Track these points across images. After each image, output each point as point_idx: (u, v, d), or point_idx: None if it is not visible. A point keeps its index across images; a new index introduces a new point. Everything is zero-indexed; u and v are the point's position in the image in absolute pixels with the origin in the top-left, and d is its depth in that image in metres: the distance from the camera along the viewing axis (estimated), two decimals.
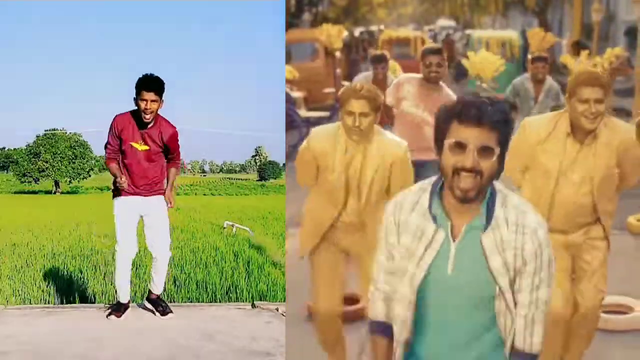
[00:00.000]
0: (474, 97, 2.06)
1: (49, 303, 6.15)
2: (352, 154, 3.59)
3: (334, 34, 14.20)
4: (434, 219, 2.07)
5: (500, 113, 1.98)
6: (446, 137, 2.01)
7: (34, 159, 47.74)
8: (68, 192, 46.27)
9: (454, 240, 2.06)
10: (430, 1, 32.28)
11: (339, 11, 27.13)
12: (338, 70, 14.45)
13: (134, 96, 4.47)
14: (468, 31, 24.56)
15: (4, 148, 67.10)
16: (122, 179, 4.56)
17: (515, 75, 8.19)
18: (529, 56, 7.89)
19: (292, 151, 6.57)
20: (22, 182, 48.39)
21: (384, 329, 2.25)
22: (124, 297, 4.82)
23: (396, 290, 2.16)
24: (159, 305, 4.85)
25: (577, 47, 7.61)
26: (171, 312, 4.83)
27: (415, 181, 2.33)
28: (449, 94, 5.19)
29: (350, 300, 4.50)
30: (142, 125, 4.55)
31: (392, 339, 2.22)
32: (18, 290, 6.66)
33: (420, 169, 3.57)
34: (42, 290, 6.63)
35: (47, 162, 46.91)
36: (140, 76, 4.46)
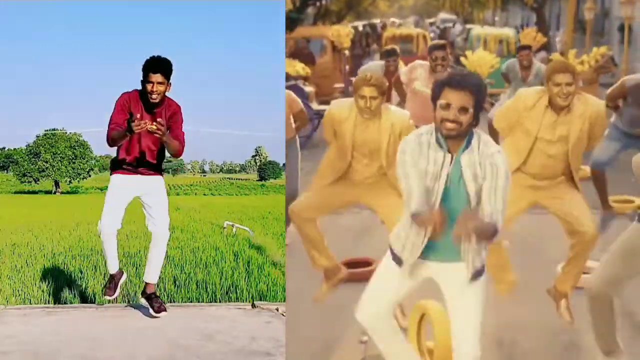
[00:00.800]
0: (460, 71, 3.21)
1: (49, 303, 6.15)
2: (361, 128, 4.51)
3: (343, 34, 15.03)
4: (441, 147, 3.04)
5: (476, 83, 2.95)
6: (439, 98, 2.97)
7: (34, 159, 47.72)
8: (68, 192, 46.24)
9: (451, 162, 3.04)
10: (433, 4, 32.60)
11: (341, 5, 27.10)
12: (347, 67, 15.32)
13: (141, 79, 4.43)
14: (468, 26, 25.17)
15: (4, 148, 66.93)
16: (138, 121, 4.22)
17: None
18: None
19: (304, 141, 7.15)
20: (22, 182, 48.36)
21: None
22: (111, 268, 4.86)
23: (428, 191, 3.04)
24: (155, 302, 4.80)
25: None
26: (165, 310, 4.79)
27: None
28: None
29: (365, 263, 5.24)
30: (149, 107, 4.51)
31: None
32: (18, 290, 6.66)
33: None
34: (42, 290, 6.62)
35: (47, 162, 46.88)
36: (148, 58, 4.42)
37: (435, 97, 3.01)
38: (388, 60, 7.94)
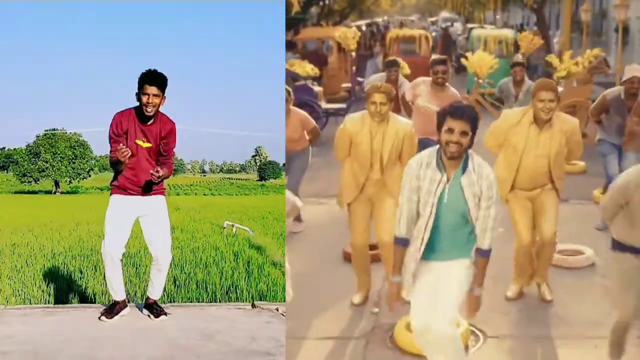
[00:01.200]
0: (459, 103, 3.71)
1: (49, 303, 6.14)
2: (374, 133, 5.04)
3: (349, 37, 15.56)
4: (439, 169, 3.61)
5: (472, 114, 3.58)
6: (443, 125, 3.57)
7: (34, 159, 47.77)
8: (68, 192, 46.29)
9: (448, 182, 3.63)
10: (435, 2, 32.79)
11: (344, 4, 27.23)
12: (354, 68, 15.88)
13: (137, 91, 4.45)
14: (469, 25, 25.61)
15: (4, 148, 67.05)
16: (122, 147, 4.36)
17: (510, 70, 9.46)
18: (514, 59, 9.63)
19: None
20: (22, 182, 48.42)
21: (403, 242, 3.79)
22: (116, 295, 4.78)
23: (418, 215, 3.72)
24: (154, 310, 4.80)
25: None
26: (164, 314, 4.76)
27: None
28: (453, 91, 6.79)
29: (372, 247, 5.55)
30: (143, 121, 4.52)
31: (406, 247, 3.79)
32: (18, 290, 6.66)
33: (431, 143, 4.62)
34: (42, 290, 6.62)
35: (47, 162, 46.91)
36: (144, 71, 4.46)
37: (440, 124, 3.60)
38: (390, 70, 8.38)
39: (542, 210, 5.09)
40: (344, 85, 15.11)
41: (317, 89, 12.90)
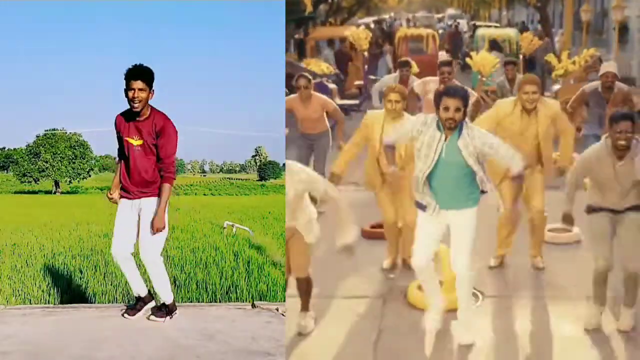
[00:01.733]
0: (451, 84, 5.01)
1: (49, 303, 6.14)
2: (387, 130, 5.64)
3: (362, 37, 16.44)
4: (439, 129, 4.35)
5: (463, 92, 4.33)
6: (440, 104, 4.30)
7: (34, 159, 47.77)
8: (68, 192, 46.29)
9: (445, 140, 4.35)
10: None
11: (352, 1, 27.50)
12: (366, 67, 16.59)
13: (124, 88, 4.45)
14: (474, 23, 26.31)
15: (4, 148, 67.08)
16: (112, 193, 4.67)
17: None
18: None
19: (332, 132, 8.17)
20: (22, 182, 48.43)
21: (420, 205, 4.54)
22: (137, 291, 4.81)
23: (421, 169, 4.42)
24: (159, 310, 4.80)
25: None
26: (162, 317, 4.72)
27: None
28: None
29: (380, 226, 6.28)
30: (134, 117, 4.51)
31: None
32: (18, 290, 6.66)
33: None
34: (42, 290, 6.62)
35: (47, 162, 46.92)
36: (129, 67, 4.46)
37: (437, 103, 4.34)
38: (402, 70, 9.08)
39: (531, 187, 5.78)
40: (357, 82, 15.79)
41: (332, 86, 13.49)
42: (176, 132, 4.60)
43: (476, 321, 4.71)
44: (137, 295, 4.84)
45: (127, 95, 4.44)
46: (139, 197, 4.62)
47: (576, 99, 7.56)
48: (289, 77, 14.59)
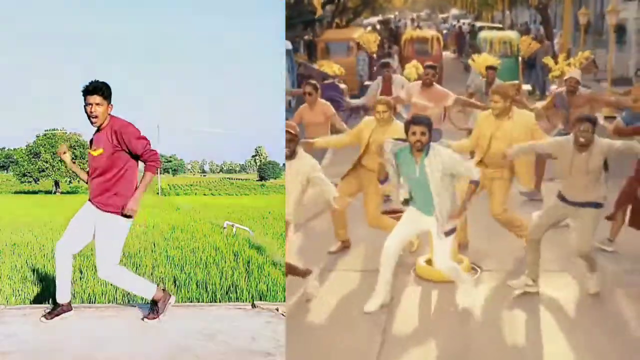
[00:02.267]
0: (416, 115, 5.48)
1: (49, 303, 6.14)
2: (375, 135, 6.41)
3: (371, 40, 17.45)
4: (412, 155, 5.19)
5: (427, 120, 5.18)
6: (409, 130, 5.14)
7: (34, 159, 47.73)
8: (68, 192, 46.26)
9: (417, 164, 5.18)
10: None
11: (358, 1, 27.80)
12: (374, 68, 17.12)
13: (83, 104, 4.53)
14: (478, 24, 27.08)
15: (4, 148, 67.11)
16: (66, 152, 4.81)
17: (514, 68, 12.01)
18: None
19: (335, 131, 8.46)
20: (22, 182, 48.38)
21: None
22: (60, 297, 4.71)
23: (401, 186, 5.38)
24: (150, 311, 4.77)
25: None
26: (155, 317, 4.68)
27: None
28: (439, 89, 8.28)
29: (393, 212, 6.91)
30: (96, 130, 4.61)
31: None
32: (18, 290, 6.66)
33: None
34: (42, 290, 6.63)
35: (47, 162, 46.87)
36: (86, 84, 4.53)
37: (407, 130, 5.18)
38: (384, 71, 10.12)
39: (497, 185, 6.44)
40: (367, 83, 16.36)
41: (343, 86, 14.13)
42: (134, 126, 4.55)
43: (474, 290, 5.63)
44: (60, 301, 4.72)
45: (85, 111, 4.54)
46: (97, 209, 4.58)
47: (546, 104, 8.31)
48: (301, 77, 15.05)
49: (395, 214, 6.52)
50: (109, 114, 4.58)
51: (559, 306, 5.54)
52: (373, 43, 17.55)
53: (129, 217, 4.56)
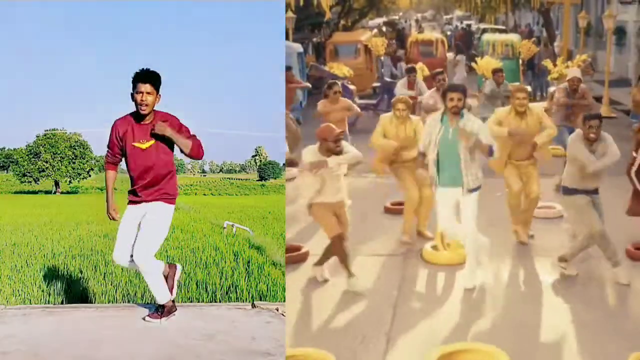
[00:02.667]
0: (453, 84, 7.18)
1: (49, 303, 6.15)
2: (396, 129, 7.13)
3: (379, 44, 18.14)
4: (442, 122, 5.92)
5: (462, 87, 5.99)
6: (446, 97, 5.85)
7: (34, 159, 47.74)
8: (68, 192, 46.27)
9: (451, 126, 5.84)
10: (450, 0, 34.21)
11: (363, 3, 28.26)
12: (382, 70, 18.04)
13: (131, 91, 4.44)
14: (482, 26, 28.03)
15: (4, 148, 67.08)
16: (112, 212, 4.64)
17: (515, 70, 13.35)
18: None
19: (349, 128, 8.89)
20: (22, 182, 48.40)
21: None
22: (160, 299, 4.73)
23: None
24: (155, 311, 4.79)
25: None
26: (157, 318, 4.70)
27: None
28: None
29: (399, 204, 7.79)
30: (138, 122, 4.50)
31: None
32: (18, 290, 6.66)
33: None
34: (42, 290, 6.63)
35: (47, 162, 46.88)
36: (137, 70, 4.45)
37: (444, 97, 5.91)
38: (409, 76, 11.53)
39: (528, 174, 7.05)
40: (375, 84, 17.21)
41: (352, 87, 14.62)
42: (177, 118, 4.59)
43: (477, 272, 6.01)
44: (160, 302, 4.77)
45: (133, 99, 4.44)
46: (146, 201, 4.60)
47: (550, 101, 9.26)
48: (312, 78, 15.55)
49: (401, 205, 7.49)
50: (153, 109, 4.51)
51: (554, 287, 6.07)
52: (381, 47, 18.18)
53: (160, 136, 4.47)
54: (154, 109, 4.52)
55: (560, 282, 6.03)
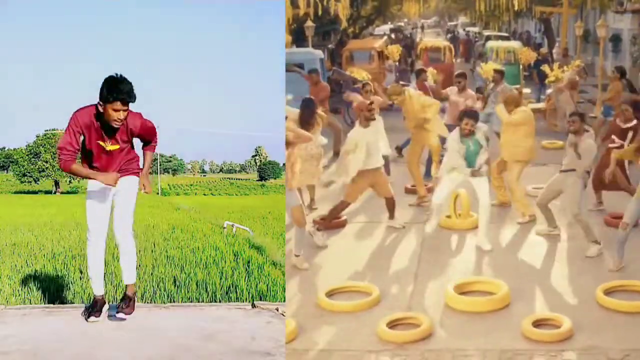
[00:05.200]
0: (469, 109, 7.67)
1: (49, 303, 6.15)
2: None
3: (395, 52, 19.51)
4: (466, 140, 7.14)
5: (476, 114, 7.23)
6: (463, 121, 7.06)
7: (34, 159, 47.81)
8: (68, 192, 46.30)
9: (471, 141, 7.11)
10: (454, 7, 35.20)
11: (371, 10, 29.05)
12: (397, 74, 19.14)
13: (101, 101, 4.21)
14: (485, 32, 29.28)
15: (4, 148, 67.21)
16: (109, 177, 4.36)
17: (517, 75, 14.12)
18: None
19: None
20: (22, 182, 48.49)
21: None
22: (97, 289, 4.74)
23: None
24: (122, 303, 4.72)
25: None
26: (123, 318, 4.65)
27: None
28: (470, 93, 10.32)
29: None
30: (108, 128, 4.35)
31: None
32: (18, 290, 6.66)
33: (452, 127, 7.95)
34: (42, 290, 6.63)
35: (47, 162, 46.92)
36: (109, 79, 4.21)
37: (460, 119, 7.03)
38: (418, 77, 12.03)
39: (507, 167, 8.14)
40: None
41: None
42: (145, 119, 4.52)
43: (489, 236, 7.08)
44: (97, 293, 4.78)
45: (103, 109, 4.22)
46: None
47: (548, 103, 10.82)
48: (333, 82, 16.10)
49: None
50: None
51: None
52: (396, 54, 19.60)
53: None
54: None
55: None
